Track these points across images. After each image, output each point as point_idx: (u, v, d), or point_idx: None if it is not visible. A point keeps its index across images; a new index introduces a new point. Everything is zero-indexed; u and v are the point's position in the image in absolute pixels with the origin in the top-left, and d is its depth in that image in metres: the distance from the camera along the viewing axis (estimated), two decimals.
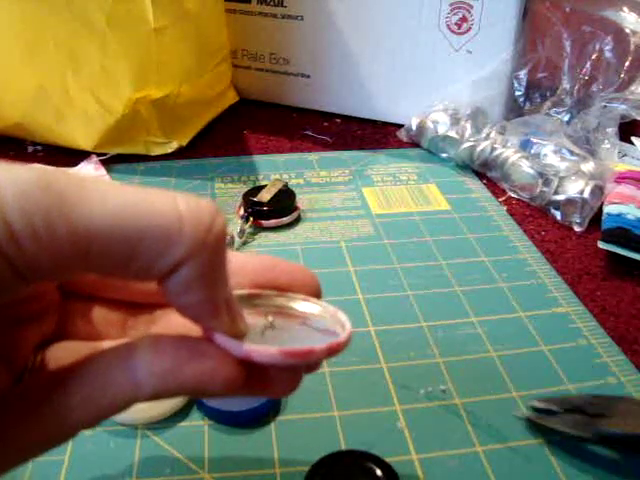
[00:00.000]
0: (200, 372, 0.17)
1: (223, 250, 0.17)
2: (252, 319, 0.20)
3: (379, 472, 0.27)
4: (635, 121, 0.57)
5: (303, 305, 0.21)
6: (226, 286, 0.18)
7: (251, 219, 0.47)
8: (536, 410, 0.32)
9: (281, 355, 0.17)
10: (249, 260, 0.21)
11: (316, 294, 0.21)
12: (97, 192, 0.15)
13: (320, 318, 0.20)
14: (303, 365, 0.19)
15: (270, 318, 0.20)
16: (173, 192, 0.16)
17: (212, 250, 0.16)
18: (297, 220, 0.48)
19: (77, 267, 0.15)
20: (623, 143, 0.57)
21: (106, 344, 0.21)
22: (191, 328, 0.18)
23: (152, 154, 0.56)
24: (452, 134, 0.56)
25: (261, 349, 0.17)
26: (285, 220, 0.47)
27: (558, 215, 0.49)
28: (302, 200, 0.50)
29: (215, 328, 0.18)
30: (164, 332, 0.21)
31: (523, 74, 0.60)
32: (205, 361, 0.18)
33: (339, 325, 0.20)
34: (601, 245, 0.44)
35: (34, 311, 0.20)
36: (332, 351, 0.18)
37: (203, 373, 0.17)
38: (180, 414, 0.32)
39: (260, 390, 0.19)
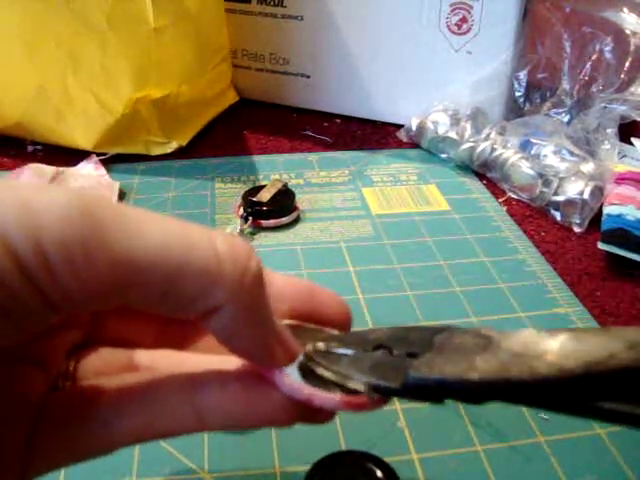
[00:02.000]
0: (267, 417, 0.18)
1: (263, 289, 0.16)
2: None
3: (379, 473, 0.27)
4: (635, 122, 0.57)
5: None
6: (272, 322, 0.17)
7: (250, 219, 0.47)
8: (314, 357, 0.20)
9: (342, 404, 0.18)
10: (288, 285, 0.21)
11: (348, 323, 0.21)
12: (137, 222, 0.14)
13: None
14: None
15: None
16: (208, 229, 0.16)
17: (251, 290, 0.16)
18: (297, 220, 0.48)
19: (113, 300, 0.14)
20: (623, 144, 0.57)
21: (141, 354, 0.21)
22: None
23: (152, 154, 0.56)
24: (452, 135, 0.56)
25: (323, 396, 0.18)
26: (284, 220, 0.47)
27: (558, 216, 0.49)
28: (302, 200, 0.50)
29: (272, 365, 0.18)
30: (203, 346, 0.21)
31: (523, 75, 0.60)
32: (273, 406, 0.18)
33: None
34: (601, 246, 0.44)
35: (65, 317, 0.20)
36: (383, 401, 0.18)
37: (268, 416, 0.18)
38: None
39: (308, 421, 0.19)
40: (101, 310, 0.20)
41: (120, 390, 0.18)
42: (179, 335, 0.21)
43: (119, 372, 0.20)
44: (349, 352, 0.19)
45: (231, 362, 0.18)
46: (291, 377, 0.18)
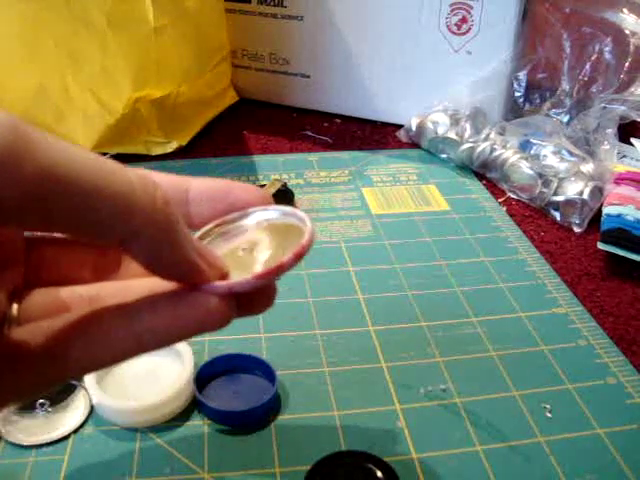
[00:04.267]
0: (198, 321, 0.19)
1: (174, 211, 0.18)
2: (225, 247, 0.21)
3: (379, 473, 0.27)
4: (634, 122, 0.57)
5: (265, 214, 0.23)
6: (190, 240, 0.18)
7: None
8: None
9: (256, 279, 0.19)
10: (204, 187, 0.22)
11: (267, 201, 0.23)
12: (61, 143, 0.16)
13: (283, 220, 0.23)
14: (278, 278, 0.21)
15: (243, 246, 0.22)
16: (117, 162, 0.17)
17: (163, 212, 0.17)
18: None
19: (39, 212, 0.15)
20: (622, 144, 0.57)
21: (81, 289, 0.22)
22: None
23: (152, 154, 0.56)
24: (452, 135, 0.56)
25: (239, 281, 0.19)
26: None
27: (557, 216, 0.49)
28: (302, 200, 0.50)
29: (201, 281, 0.19)
30: (135, 272, 0.22)
31: (523, 75, 0.60)
32: (200, 310, 0.19)
33: (301, 221, 0.22)
34: (600, 246, 0.44)
35: (0, 260, 0.21)
36: (299, 257, 0.19)
37: (201, 321, 0.19)
38: (180, 415, 0.32)
39: (246, 312, 0.21)
40: (31, 229, 0.21)
41: (63, 327, 0.19)
42: (112, 266, 0.23)
43: (63, 309, 0.21)
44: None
45: (163, 282, 0.20)
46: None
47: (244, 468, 0.29)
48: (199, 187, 0.22)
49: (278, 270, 0.19)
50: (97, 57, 0.51)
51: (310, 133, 0.63)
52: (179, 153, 0.56)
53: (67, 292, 0.22)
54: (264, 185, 0.49)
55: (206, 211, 0.22)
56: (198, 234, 0.22)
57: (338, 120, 0.66)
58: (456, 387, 0.34)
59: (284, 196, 0.49)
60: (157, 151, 0.56)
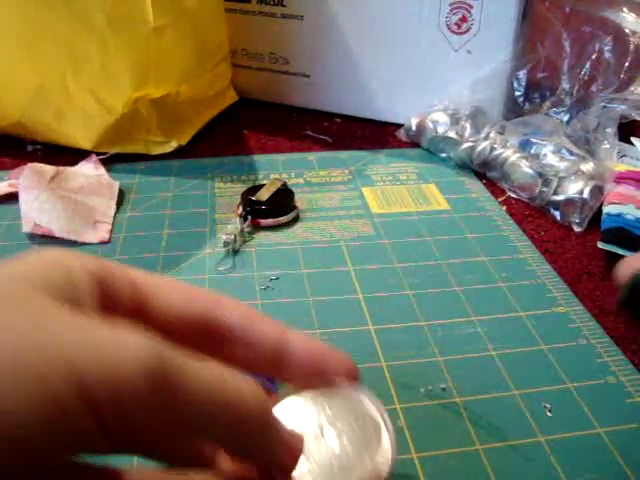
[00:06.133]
0: None
1: (276, 419, 0.20)
2: (307, 420, 0.23)
3: None
4: (635, 121, 0.57)
5: (353, 400, 0.23)
6: (284, 437, 0.20)
7: (249, 218, 0.47)
8: None
9: None
10: (297, 348, 0.23)
11: (355, 377, 0.24)
12: (197, 365, 0.17)
13: (370, 413, 0.23)
14: None
15: (322, 428, 0.23)
16: (235, 373, 0.19)
17: (269, 424, 0.19)
18: (296, 219, 0.48)
19: (168, 429, 0.18)
20: (622, 143, 0.57)
21: None
22: None
23: (152, 153, 0.56)
24: (452, 134, 0.56)
25: None
26: (283, 219, 0.47)
27: (557, 215, 0.49)
28: (302, 200, 0.50)
29: (278, 469, 0.21)
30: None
31: (523, 74, 0.60)
32: None
33: (386, 429, 0.22)
34: (601, 245, 0.44)
35: None
36: None
37: None
38: None
39: None
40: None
41: None
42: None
43: None
44: None
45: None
46: None
47: None
48: (298, 353, 0.23)
49: None
50: (97, 57, 0.51)
51: (310, 133, 0.63)
52: (179, 153, 0.56)
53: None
54: (264, 185, 0.49)
55: (299, 377, 0.23)
56: (286, 400, 0.23)
57: (338, 119, 0.66)
58: (456, 386, 0.34)
59: (284, 195, 0.49)
60: (157, 151, 0.56)
